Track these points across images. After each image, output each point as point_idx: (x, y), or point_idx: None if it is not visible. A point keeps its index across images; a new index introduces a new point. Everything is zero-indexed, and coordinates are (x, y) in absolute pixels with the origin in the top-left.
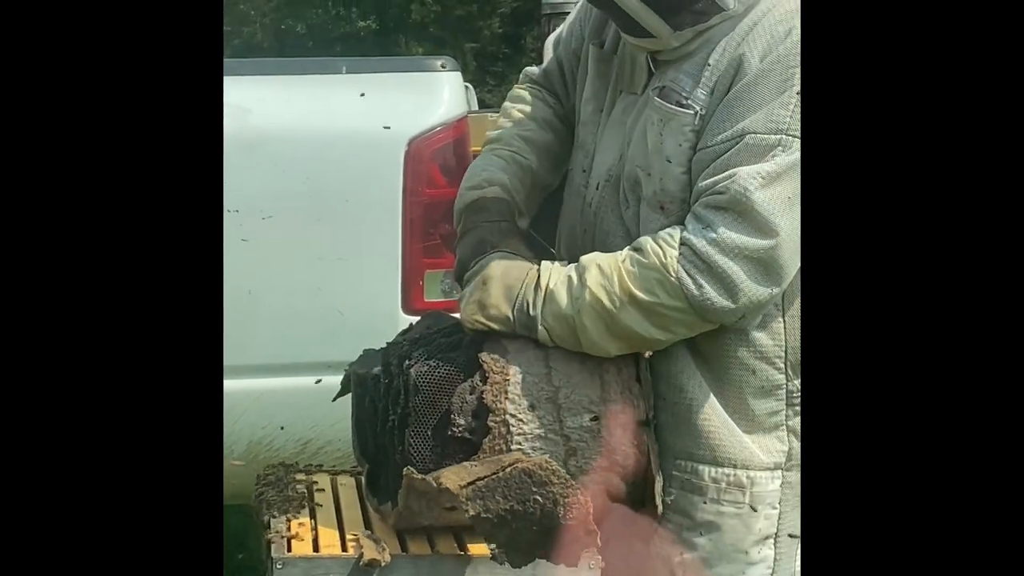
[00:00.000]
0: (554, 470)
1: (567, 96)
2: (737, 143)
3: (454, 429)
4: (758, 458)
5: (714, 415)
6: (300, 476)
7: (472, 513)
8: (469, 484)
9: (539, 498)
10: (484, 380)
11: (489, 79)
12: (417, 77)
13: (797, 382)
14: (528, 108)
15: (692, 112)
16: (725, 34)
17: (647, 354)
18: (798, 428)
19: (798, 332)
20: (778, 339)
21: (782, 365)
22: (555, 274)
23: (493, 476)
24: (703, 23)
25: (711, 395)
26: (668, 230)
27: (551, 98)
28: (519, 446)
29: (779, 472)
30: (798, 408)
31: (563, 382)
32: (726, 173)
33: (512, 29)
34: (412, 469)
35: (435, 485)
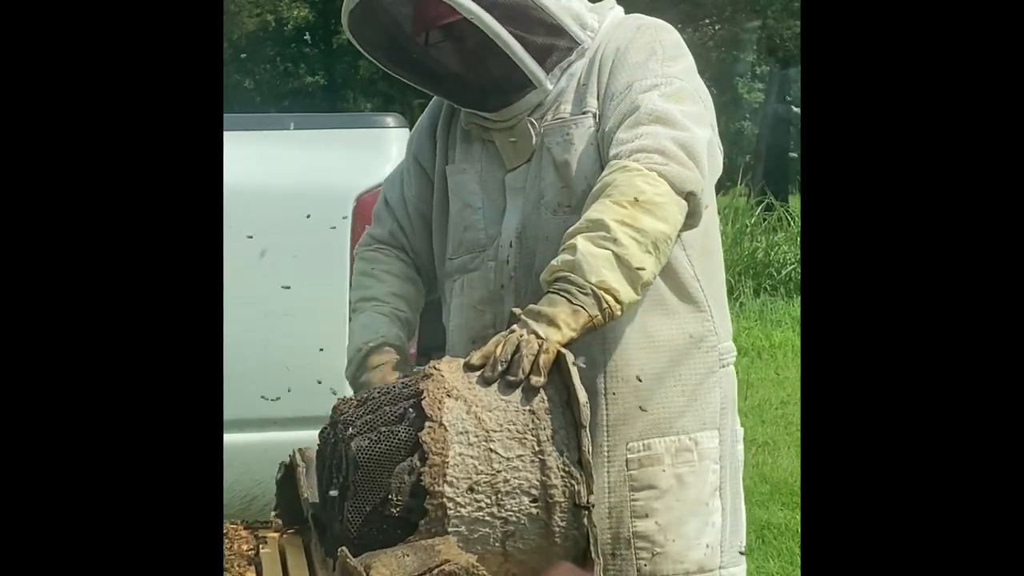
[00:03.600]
0: (481, 575)
1: (413, 247)
2: (627, 93)
3: (392, 509)
4: (697, 421)
5: (658, 395)
6: (244, 533)
7: None
8: None
9: None
10: (423, 461)
11: None
12: (365, 133)
13: (727, 344)
14: (388, 267)
15: (590, 114)
16: (583, 64)
17: (587, 444)
18: (725, 383)
19: (715, 300)
20: (703, 307)
21: (712, 328)
22: (581, 246)
23: None
24: (566, 60)
25: (656, 378)
26: (607, 168)
27: (402, 254)
28: (456, 528)
29: (715, 431)
30: (728, 368)
31: (503, 465)
32: (628, 106)
33: None
34: (345, 551)
35: (364, 574)
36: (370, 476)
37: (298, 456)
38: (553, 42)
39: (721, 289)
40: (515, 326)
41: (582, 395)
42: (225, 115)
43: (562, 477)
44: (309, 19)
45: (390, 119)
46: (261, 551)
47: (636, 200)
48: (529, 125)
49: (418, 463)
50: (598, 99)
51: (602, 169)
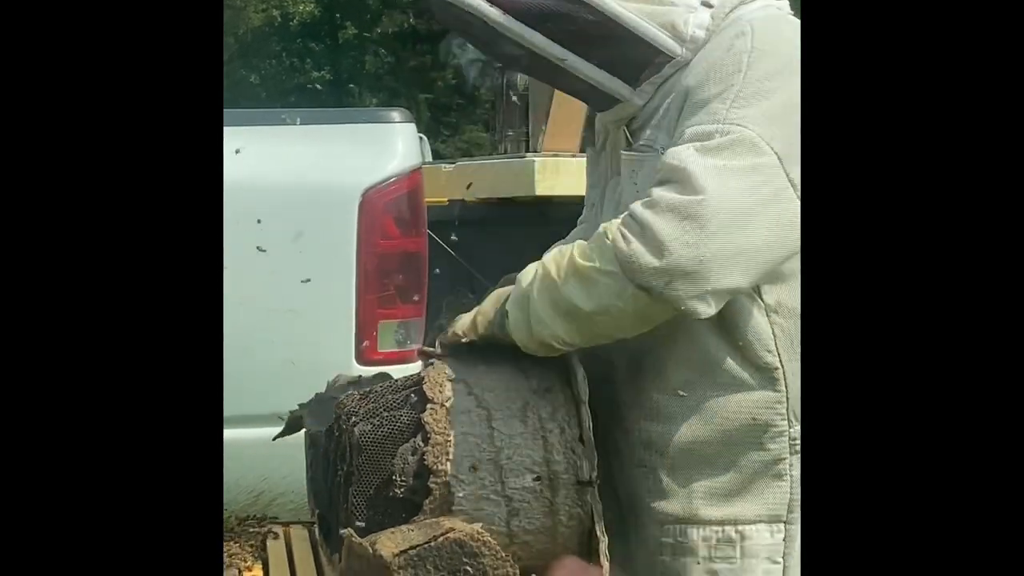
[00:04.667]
0: (485, 541)
1: None
2: (680, 138)
3: (396, 490)
4: (750, 511)
5: (705, 476)
6: (252, 528)
7: None
8: (402, 552)
9: (469, 568)
10: (426, 441)
11: (443, 130)
12: (371, 128)
13: (796, 428)
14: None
15: (655, 151)
16: (683, 82)
17: (587, 420)
18: (798, 475)
19: (798, 379)
20: (779, 386)
21: (784, 411)
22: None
23: (426, 545)
24: (656, 74)
25: (700, 449)
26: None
27: None
28: (460, 507)
29: (779, 526)
30: (799, 454)
31: (505, 443)
32: (665, 162)
33: (466, 80)
34: (351, 531)
35: (371, 550)
36: (373, 459)
37: (309, 442)
38: (636, 55)
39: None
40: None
41: (579, 371)
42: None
43: (564, 454)
44: (315, 14)
45: (396, 114)
46: (268, 545)
47: (574, 266)
48: (624, 135)
49: (421, 444)
50: (670, 134)
51: None
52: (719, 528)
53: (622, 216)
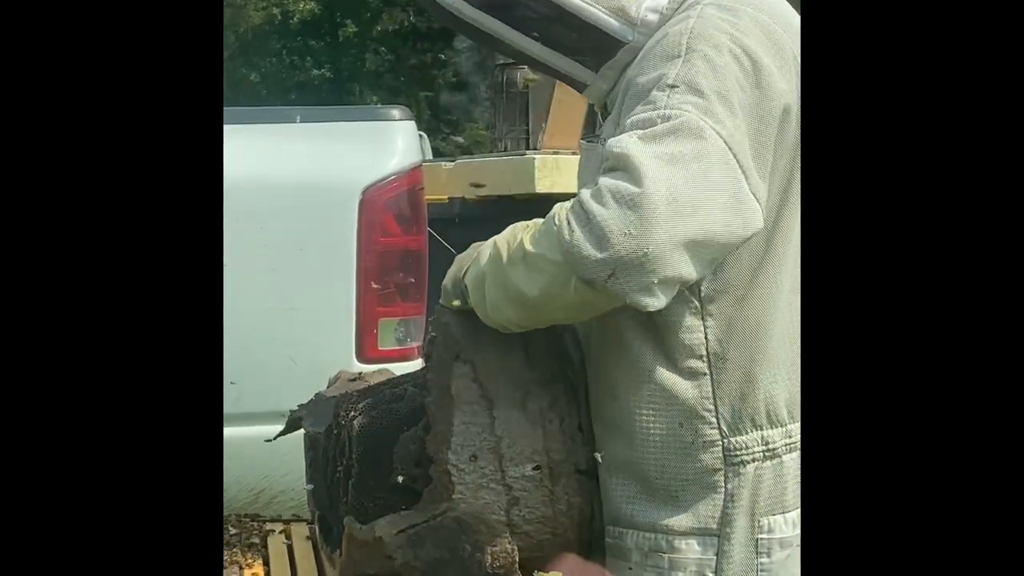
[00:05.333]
0: (483, 519)
1: None
2: (623, 128)
3: (396, 479)
4: (680, 521)
5: (633, 476)
6: (253, 526)
7: (401, 561)
8: (400, 532)
9: (468, 547)
10: (427, 430)
11: (443, 128)
12: (371, 126)
13: (738, 439)
14: None
15: (597, 142)
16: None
17: (585, 408)
18: (737, 491)
19: (734, 384)
20: (706, 392)
21: (714, 420)
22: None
23: (425, 524)
24: (611, 59)
25: (630, 454)
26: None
27: None
28: (461, 495)
29: (712, 538)
30: (739, 468)
31: (505, 431)
32: (611, 143)
33: (466, 78)
34: (352, 518)
35: (370, 533)
36: (373, 450)
37: (308, 443)
38: (589, 40)
39: (760, 366)
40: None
41: (577, 357)
42: (231, 108)
43: (564, 443)
44: (315, 12)
45: (396, 112)
46: (268, 543)
47: (522, 251)
48: (600, 115)
49: (422, 432)
50: (616, 124)
51: None
52: (651, 535)
53: (571, 202)
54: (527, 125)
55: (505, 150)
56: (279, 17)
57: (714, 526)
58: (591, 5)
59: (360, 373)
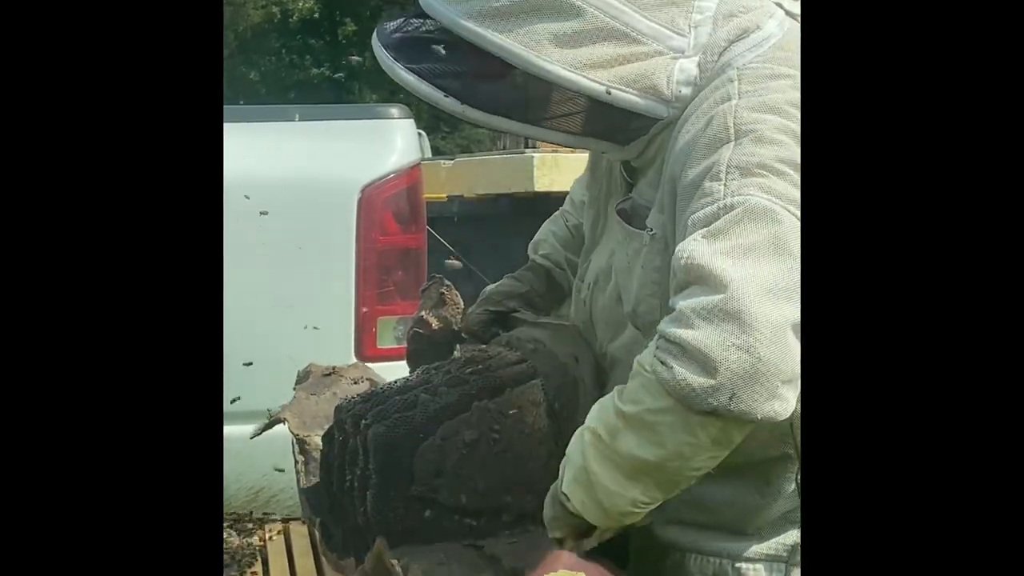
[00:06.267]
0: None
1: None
2: (683, 229)
3: (418, 489)
4: (753, 550)
5: (701, 508)
6: (251, 525)
7: None
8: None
9: None
10: (444, 439)
11: (443, 126)
12: (370, 124)
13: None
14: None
15: (647, 232)
16: (675, 133)
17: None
18: (798, 519)
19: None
20: (783, 425)
21: (793, 453)
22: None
23: None
24: (644, 135)
25: (702, 490)
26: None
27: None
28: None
29: (779, 566)
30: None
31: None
32: (677, 255)
33: None
34: (384, 542)
35: (400, 572)
36: (392, 460)
37: (297, 449)
38: (619, 121)
39: None
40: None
41: (592, 360)
42: (231, 107)
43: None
44: (315, 11)
45: (395, 111)
46: (267, 542)
47: (629, 414)
48: (622, 170)
49: (439, 441)
50: (661, 212)
51: (659, 305)
52: (715, 560)
53: (654, 341)
54: None
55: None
56: (278, 16)
57: (784, 554)
58: (623, 90)
59: (333, 368)
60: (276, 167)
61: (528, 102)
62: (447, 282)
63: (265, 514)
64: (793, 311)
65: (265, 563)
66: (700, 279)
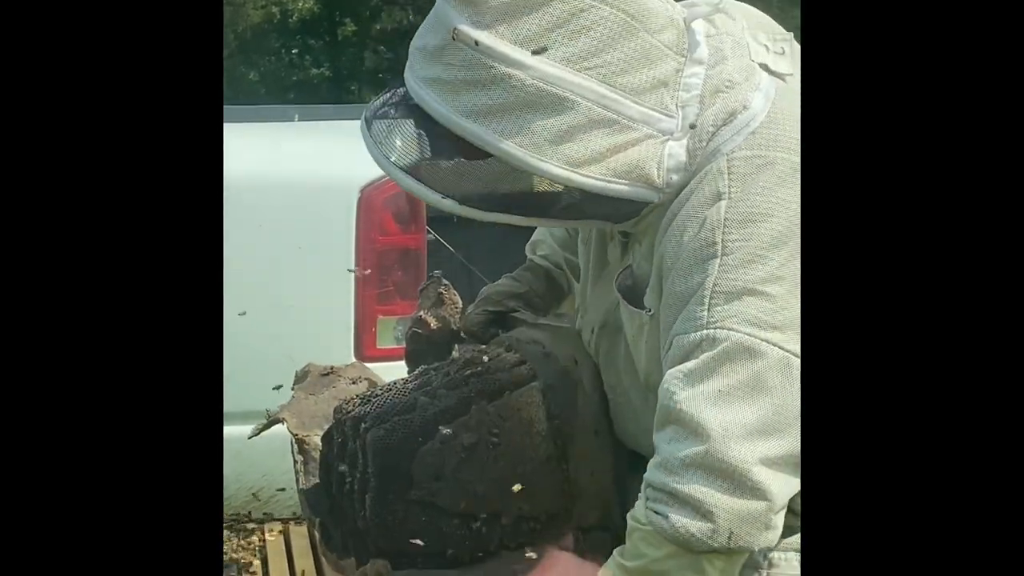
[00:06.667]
0: None
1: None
2: (669, 349)
3: (417, 492)
4: (784, 538)
5: None
6: (251, 526)
7: None
8: None
9: None
10: (444, 443)
11: None
12: None
13: None
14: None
15: (646, 313)
16: (666, 218)
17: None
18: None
19: None
20: None
21: None
22: None
23: None
24: (637, 215)
25: None
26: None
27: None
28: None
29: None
30: None
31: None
32: (663, 392)
33: None
34: (386, 564)
35: None
36: (391, 463)
37: (296, 449)
38: (614, 207)
39: None
40: None
41: (592, 363)
42: (230, 107)
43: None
44: (314, 11)
45: None
46: (267, 542)
47: (636, 568)
48: (619, 242)
49: (439, 444)
50: (653, 291)
51: (655, 369)
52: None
53: (643, 495)
54: None
55: None
56: (278, 16)
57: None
58: (616, 182)
59: (331, 367)
60: (275, 167)
61: (525, 197)
62: (445, 281)
63: (265, 514)
64: (775, 446)
65: (264, 563)
66: (683, 423)
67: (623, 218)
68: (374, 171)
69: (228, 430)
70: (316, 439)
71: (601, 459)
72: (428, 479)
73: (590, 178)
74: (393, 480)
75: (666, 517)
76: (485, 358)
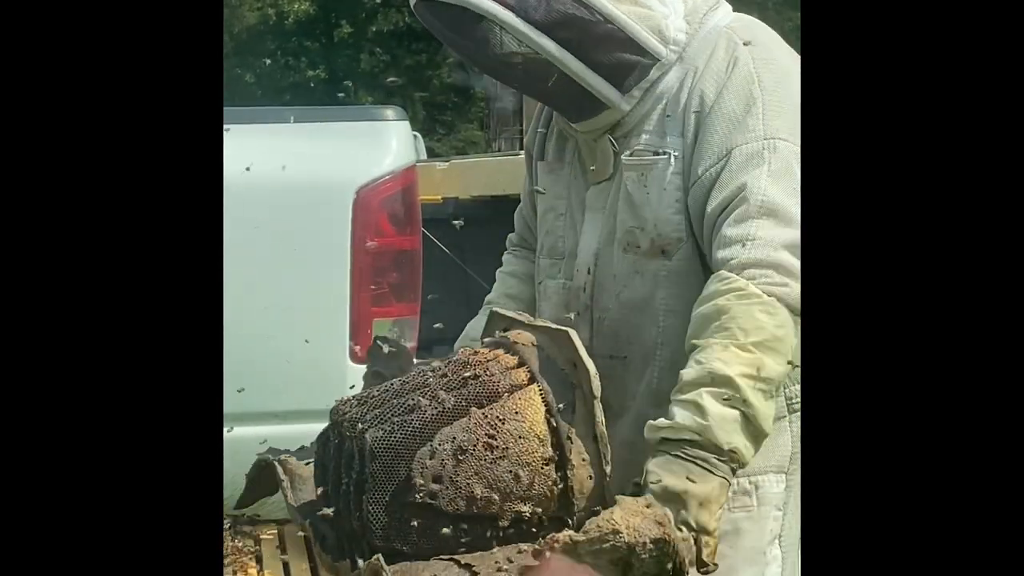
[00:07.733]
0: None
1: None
2: (727, 161)
3: (415, 495)
4: (761, 463)
5: None
6: (246, 528)
7: None
8: None
9: None
10: (442, 444)
11: (438, 128)
12: (365, 126)
13: (795, 388)
14: (510, 268)
15: (667, 156)
16: (670, 87)
17: (597, 394)
18: (798, 431)
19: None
20: None
21: None
22: (708, 407)
23: None
24: (645, 78)
25: None
26: (717, 278)
27: (529, 253)
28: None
29: (782, 476)
30: (798, 412)
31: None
32: (733, 187)
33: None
34: (381, 560)
35: None
36: (389, 465)
37: (280, 470)
38: (626, 58)
39: None
40: (665, 526)
41: (591, 366)
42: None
43: (576, 454)
44: (310, 13)
45: (390, 112)
46: (262, 544)
47: (761, 342)
48: (609, 143)
49: (437, 447)
50: (682, 137)
51: (684, 219)
52: (735, 480)
53: (742, 270)
54: (521, 125)
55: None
56: (274, 17)
57: (786, 465)
58: (636, 23)
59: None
60: (271, 168)
61: (566, 22)
62: (389, 338)
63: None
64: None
65: (260, 565)
66: (777, 216)
67: (632, 78)
68: (370, 173)
69: (227, 431)
70: (294, 459)
71: (599, 462)
72: (426, 481)
73: (615, 7)
74: (391, 482)
75: (784, 284)
76: (484, 359)
